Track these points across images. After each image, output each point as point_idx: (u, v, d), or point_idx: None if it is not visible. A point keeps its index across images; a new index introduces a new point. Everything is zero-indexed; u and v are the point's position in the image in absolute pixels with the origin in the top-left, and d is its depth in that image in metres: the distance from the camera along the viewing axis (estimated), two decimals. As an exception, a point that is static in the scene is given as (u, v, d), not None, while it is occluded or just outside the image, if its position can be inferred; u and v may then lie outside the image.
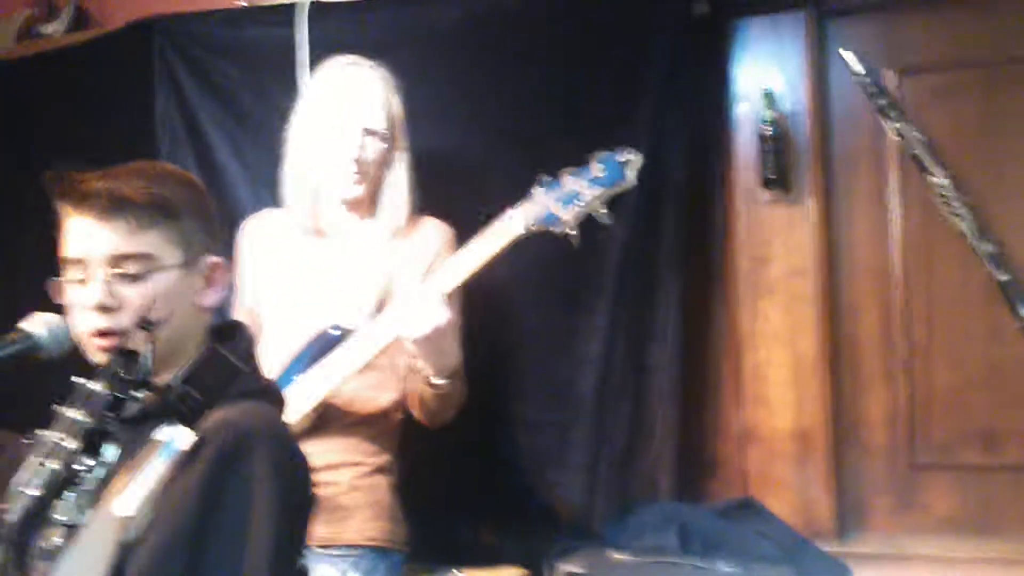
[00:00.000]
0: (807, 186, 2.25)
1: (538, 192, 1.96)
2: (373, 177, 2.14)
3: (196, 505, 1.20)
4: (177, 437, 1.01)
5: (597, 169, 1.94)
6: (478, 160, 2.40)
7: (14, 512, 1.01)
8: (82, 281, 1.31)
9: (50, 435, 0.99)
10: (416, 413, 2.12)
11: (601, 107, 2.32)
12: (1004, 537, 2.17)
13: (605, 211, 1.94)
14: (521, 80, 2.38)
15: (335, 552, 2.01)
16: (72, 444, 0.97)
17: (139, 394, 0.98)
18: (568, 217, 1.94)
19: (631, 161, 1.93)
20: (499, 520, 2.45)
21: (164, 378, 1.33)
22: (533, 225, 1.96)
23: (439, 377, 2.01)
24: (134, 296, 1.30)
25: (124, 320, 1.30)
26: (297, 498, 1.33)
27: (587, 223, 1.97)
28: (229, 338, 1.44)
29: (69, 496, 0.99)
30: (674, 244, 2.30)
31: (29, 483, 0.99)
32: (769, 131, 2.22)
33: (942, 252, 2.22)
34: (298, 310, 2.15)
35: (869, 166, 2.28)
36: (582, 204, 1.93)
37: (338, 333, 2.05)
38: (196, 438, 1.07)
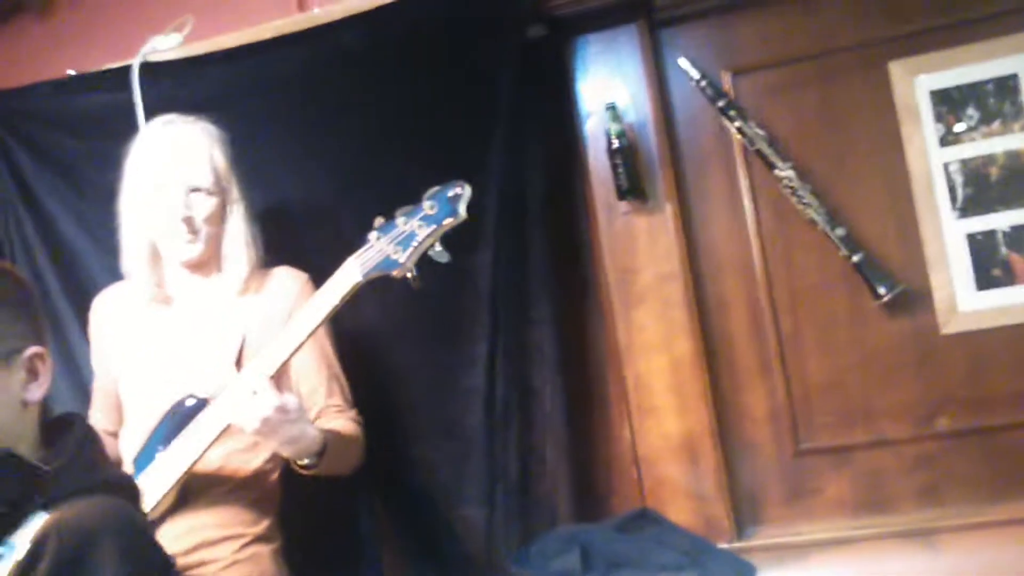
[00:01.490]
0: (662, 193, 2.28)
1: (373, 237, 1.94)
2: (209, 234, 2.08)
3: None
4: (16, 544, 0.93)
5: (427, 207, 1.92)
6: (333, 205, 2.37)
7: None
8: None
9: None
10: None
11: (452, 140, 2.31)
12: (896, 511, 2.22)
13: (440, 249, 1.92)
14: (368, 120, 2.36)
15: (225, 632, 1.92)
16: None
17: None
18: (404, 259, 1.91)
19: (460, 195, 1.92)
20: (402, 564, 2.39)
21: None
22: (370, 273, 1.93)
23: (301, 460, 1.95)
24: None
25: None
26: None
27: (454, 255, 1.95)
28: (63, 431, 1.36)
29: None
30: (542, 264, 2.31)
31: None
32: (617, 144, 2.24)
33: (798, 241, 2.27)
34: (154, 383, 2.07)
35: (718, 166, 2.32)
36: (417, 244, 1.91)
37: (194, 402, 1.98)
38: (29, 547, 0.99)
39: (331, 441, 1.98)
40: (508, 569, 2.21)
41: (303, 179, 2.39)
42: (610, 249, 2.31)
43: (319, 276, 2.09)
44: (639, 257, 2.30)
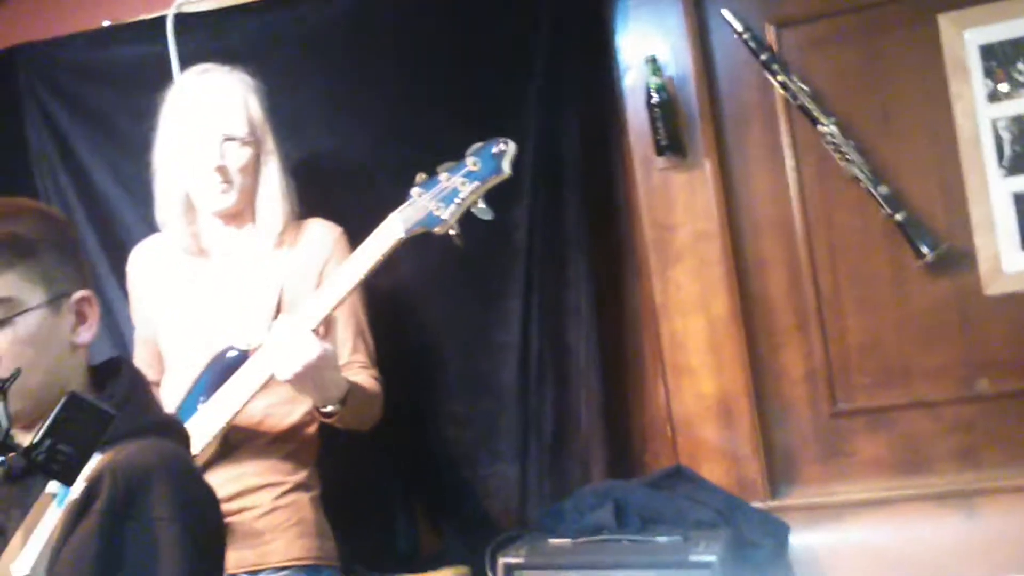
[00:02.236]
0: (701, 148, 2.25)
1: (415, 193, 1.92)
2: (244, 185, 2.07)
3: (96, 557, 1.14)
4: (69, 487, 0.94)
5: (471, 163, 1.90)
6: (366, 160, 2.36)
7: None
8: None
9: None
10: None
11: (488, 95, 2.29)
12: (932, 473, 2.20)
13: (484, 206, 1.90)
14: (405, 75, 2.34)
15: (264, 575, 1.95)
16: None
17: (14, 458, 0.89)
18: (447, 216, 1.90)
19: (505, 151, 1.90)
20: (433, 521, 2.42)
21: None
22: (413, 228, 1.92)
23: (325, 407, 1.96)
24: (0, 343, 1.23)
25: None
26: (206, 531, 1.27)
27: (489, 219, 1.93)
28: (111, 375, 1.37)
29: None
30: (578, 220, 2.29)
31: None
32: (657, 98, 2.20)
33: (839, 199, 2.23)
34: (194, 335, 2.08)
35: (760, 122, 2.28)
36: (460, 201, 1.90)
37: (235, 354, 1.99)
38: (85, 486, 0.99)
39: (353, 391, 1.99)
40: (541, 524, 2.22)
41: (337, 133, 2.37)
42: (647, 206, 2.29)
43: (350, 230, 2.09)
44: (677, 214, 2.27)
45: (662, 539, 1.99)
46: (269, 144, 2.09)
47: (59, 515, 0.93)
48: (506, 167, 1.89)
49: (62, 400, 0.92)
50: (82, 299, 1.33)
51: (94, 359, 1.41)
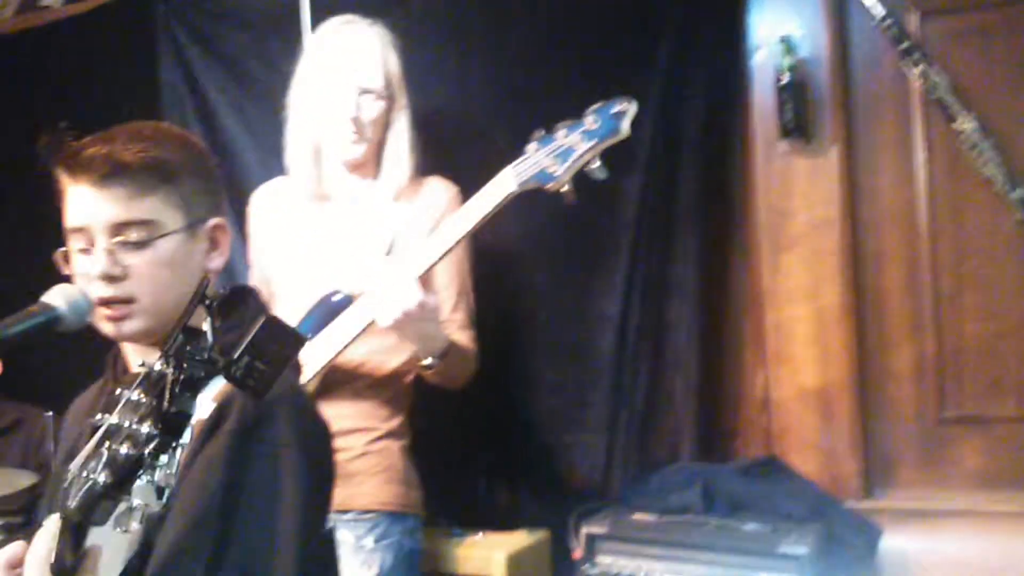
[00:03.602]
0: (828, 134, 2.18)
1: (531, 148, 1.91)
2: (373, 137, 2.10)
3: (222, 475, 1.19)
4: (197, 406, 0.97)
5: (590, 121, 1.88)
6: (488, 118, 2.36)
7: (75, 496, 0.97)
8: (85, 250, 1.29)
9: (117, 419, 0.94)
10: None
11: (614, 59, 2.27)
12: (1036, 491, 2.12)
13: (599, 165, 1.88)
14: (531, 33, 2.33)
15: (349, 517, 2.00)
16: (145, 427, 0.92)
17: (204, 372, 0.92)
18: (560, 173, 1.88)
19: (625, 111, 1.87)
20: (516, 482, 2.43)
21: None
22: (526, 183, 1.91)
23: (425, 358, 1.99)
24: (139, 263, 1.27)
25: (130, 288, 1.27)
26: (321, 462, 1.32)
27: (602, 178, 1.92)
28: (240, 302, 1.41)
29: (144, 480, 0.94)
30: (691, 198, 2.26)
31: (96, 468, 0.94)
32: (787, 79, 2.14)
33: (970, 199, 2.14)
34: (305, 276, 2.13)
35: (892, 112, 2.20)
36: (575, 159, 1.88)
37: (341, 298, 2.03)
38: (215, 408, 1.03)
39: (453, 349, 2.02)
40: (624, 497, 2.21)
41: (462, 90, 2.38)
42: (764, 189, 2.24)
43: (467, 187, 2.09)
44: (795, 200, 2.21)
45: (750, 527, 1.97)
46: (402, 99, 2.12)
47: (189, 434, 0.96)
48: (625, 127, 1.86)
49: (261, 320, 0.95)
50: (216, 226, 1.36)
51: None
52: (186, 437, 0.96)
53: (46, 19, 2.96)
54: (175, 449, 0.94)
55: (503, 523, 2.34)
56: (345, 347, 1.99)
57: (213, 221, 1.36)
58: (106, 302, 1.27)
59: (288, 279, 2.17)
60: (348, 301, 2.02)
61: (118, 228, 1.27)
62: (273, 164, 2.25)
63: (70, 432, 1.48)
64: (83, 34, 2.85)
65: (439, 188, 2.16)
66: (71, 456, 1.40)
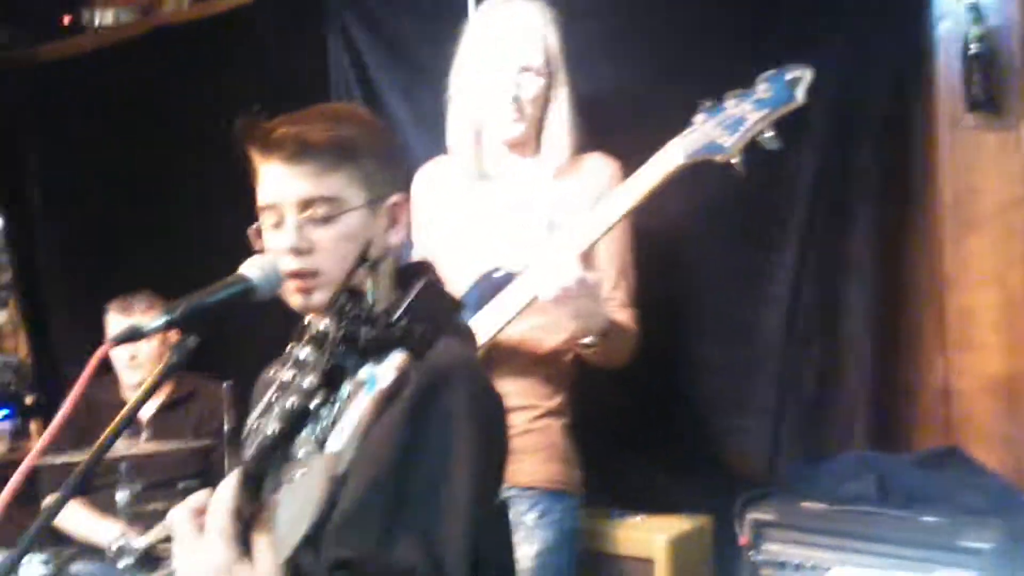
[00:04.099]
0: (1019, 107, 2.05)
1: (700, 120, 1.85)
2: (533, 115, 2.10)
3: (399, 441, 1.22)
4: (379, 375, 1.00)
5: (762, 90, 1.81)
6: (650, 95, 2.32)
7: (252, 448, 1.02)
8: (276, 226, 1.34)
9: (288, 374, 0.99)
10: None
11: (788, 32, 2.19)
12: None
13: (772, 135, 1.80)
14: (698, 5, 2.27)
15: (512, 492, 2.00)
16: (309, 381, 0.96)
17: (366, 331, 0.96)
18: (730, 144, 1.82)
19: (800, 78, 1.78)
20: (677, 465, 2.39)
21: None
22: (693, 155, 1.85)
23: (585, 337, 1.96)
24: (324, 238, 1.32)
25: (317, 261, 1.32)
26: (495, 432, 1.34)
27: (772, 154, 1.85)
28: (416, 277, 1.43)
29: (308, 432, 0.98)
30: (869, 174, 2.16)
31: (268, 421, 0.99)
32: (976, 49, 2.02)
33: None
34: (467, 254, 2.15)
35: (1093, 83, 2.05)
36: (746, 129, 1.81)
37: (503, 275, 2.03)
38: (396, 375, 1.05)
39: (613, 328, 1.99)
40: (791, 484, 2.15)
41: (623, 66, 2.35)
42: (950, 166, 2.12)
43: (627, 164, 2.06)
44: (983, 177, 2.09)
45: (929, 519, 1.88)
46: (561, 75, 2.11)
47: (368, 401, 0.99)
48: (800, 95, 1.78)
49: (420, 283, 0.98)
50: (396, 203, 1.40)
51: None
52: (344, 392, 0.99)
53: (220, 8, 3.10)
54: (334, 403, 0.96)
55: (662, 506, 2.32)
56: (506, 324, 2.00)
57: (394, 198, 1.39)
58: (294, 275, 1.32)
59: (449, 257, 2.20)
60: (509, 278, 2.03)
61: (306, 204, 1.32)
62: (438, 147, 2.29)
63: (259, 396, 1.55)
64: (255, 20, 2.98)
65: (600, 164, 2.14)
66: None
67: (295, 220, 1.32)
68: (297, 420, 0.97)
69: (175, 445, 2.61)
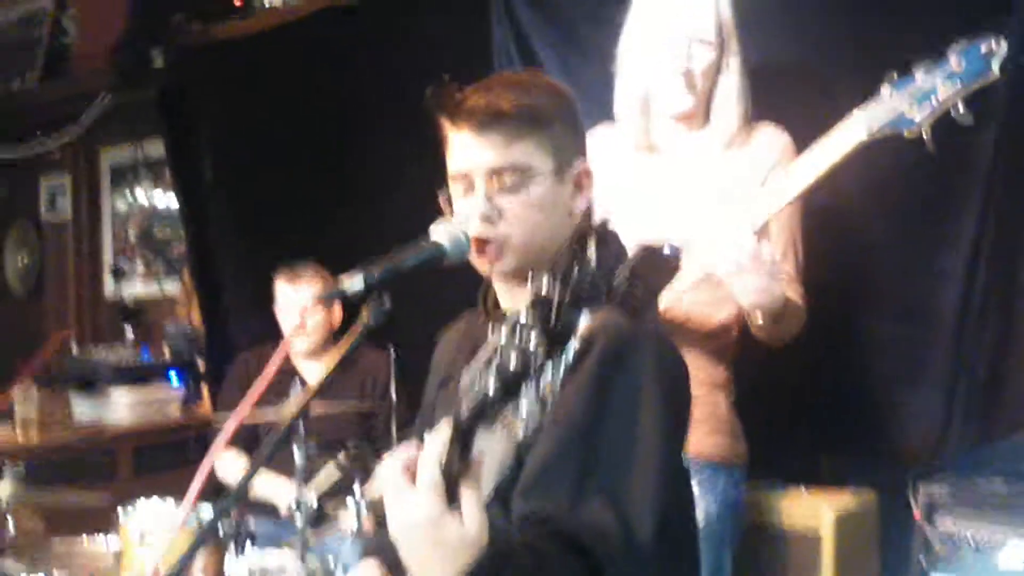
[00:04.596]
0: None
1: (886, 91, 1.78)
2: (703, 87, 2.07)
3: (587, 401, 1.25)
4: (580, 327, 1.02)
5: (955, 62, 1.73)
6: (823, 66, 2.29)
7: (466, 406, 1.05)
8: (467, 193, 1.38)
9: (505, 338, 1.00)
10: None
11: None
12: None
13: (964, 110, 1.73)
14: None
15: (676, 463, 2.02)
16: (533, 342, 0.97)
17: (587, 293, 0.98)
18: (920, 118, 1.74)
19: (995, 51, 1.70)
20: (843, 440, 2.37)
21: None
22: (879, 129, 1.79)
23: (757, 314, 1.93)
24: (513, 206, 1.36)
25: (506, 229, 1.36)
26: (681, 396, 1.36)
27: (947, 126, 1.79)
28: (602, 241, 1.46)
29: (529, 391, 1.00)
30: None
31: (486, 381, 1.02)
32: None
33: None
34: (633, 228, 2.14)
35: None
36: (937, 103, 1.73)
37: (670, 251, 2.02)
38: (583, 338, 1.08)
39: (786, 305, 1.96)
40: (962, 464, 2.09)
41: (796, 36, 2.31)
42: None
43: (799, 137, 2.03)
44: None
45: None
46: (733, 46, 2.08)
47: (572, 350, 1.02)
48: (995, 68, 1.70)
49: (640, 249, 1.01)
50: (582, 170, 1.43)
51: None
52: (570, 353, 1.01)
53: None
54: (558, 364, 0.98)
55: (826, 480, 2.29)
56: (676, 299, 2.00)
57: (579, 165, 1.42)
58: (483, 241, 1.36)
59: (615, 229, 2.21)
60: (677, 253, 2.02)
61: (495, 172, 1.35)
62: (598, 121, 2.30)
63: (442, 359, 1.60)
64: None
65: (771, 136, 2.11)
66: (447, 381, 1.52)
67: (484, 188, 1.36)
68: (518, 381, 1.00)
69: (344, 407, 2.72)
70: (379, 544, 1.56)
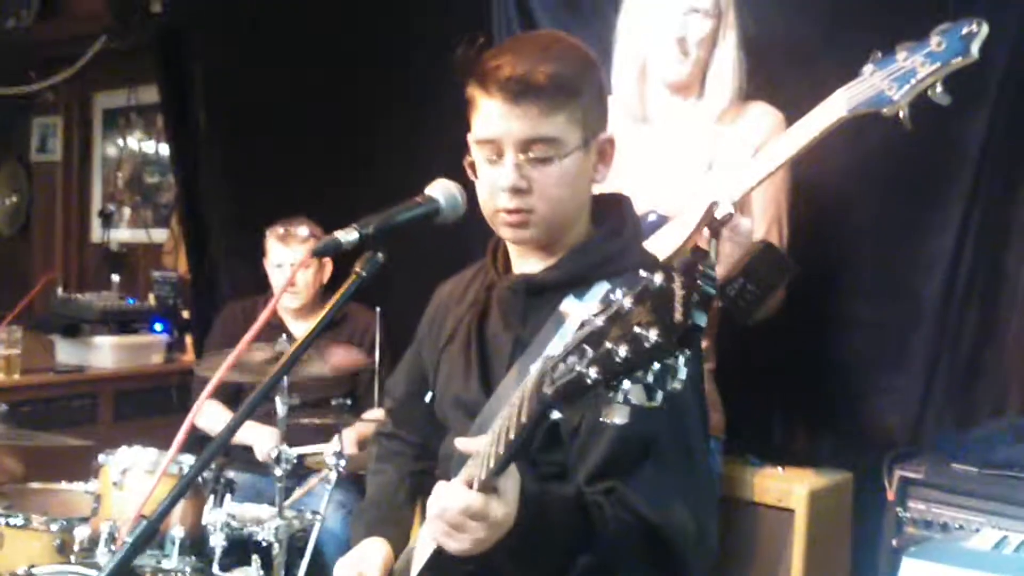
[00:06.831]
0: None
1: (868, 70, 1.78)
2: (699, 57, 2.07)
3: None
4: (587, 312, 1.01)
5: (935, 43, 1.72)
6: (816, 43, 2.27)
7: (552, 384, 1.02)
8: (494, 161, 1.35)
9: (603, 322, 0.96)
10: None
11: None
12: None
13: (941, 90, 1.72)
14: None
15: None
16: (653, 335, 0.91)
17: (709, 291, 0.90)
18: (899, 97, 1.74)
19: (976, 33, 1.70)
20: (820, 420, 2.38)
21: (558, 255, 1.39)
22: (858, 106, 1.79)
23: (727, 280, 1.87)
24: (542, 179, 1.34)
25: (534, 201, 1.34)
26: (701, 368, 1.41)
27: (939, 110, 1.78)
28: (614, 210, 1.45)
29: (636, 381, 0.94)
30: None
31: (581, 363, 0.97)
32: None
33: None
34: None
35: None
36: (916, 81, 1.73)
37: (655, 218, 2.03)
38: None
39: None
40: (939, 447, 2.12)
41: (791, 10, 2.29)
42: None
43: (790, 113, 2.01)
44: None
45: (1087, 491, 1.83)
46: (730, 17, 2.08)
47: (574, 332, 1.01)
48: (974, 50, 1.70)
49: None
50: (606, 140, 1.41)
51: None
52: (568, 334, 1.00)
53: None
54: (677, 358, 0.93)
55: (802, 460, 2.31)
56: None
57: (604, 135, 1.40)
58: (510, 212, 1.35)
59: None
60: (662, 222, 2.03)
61: (526, 144, 1.32)
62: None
63: (440, 313, 1.58)
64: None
65: (764, 113, 2.11)
66: (452, 338, 1.50)
67: (514, 159, 1.33)
68: (624, 370, 0.94)
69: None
70: (382, 519, 1.59)
